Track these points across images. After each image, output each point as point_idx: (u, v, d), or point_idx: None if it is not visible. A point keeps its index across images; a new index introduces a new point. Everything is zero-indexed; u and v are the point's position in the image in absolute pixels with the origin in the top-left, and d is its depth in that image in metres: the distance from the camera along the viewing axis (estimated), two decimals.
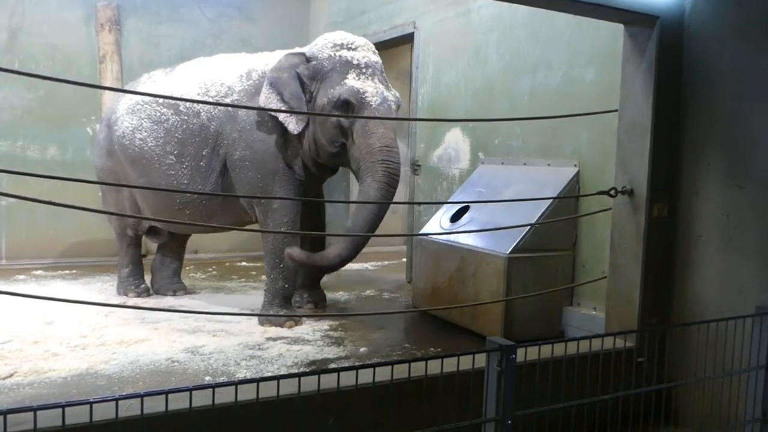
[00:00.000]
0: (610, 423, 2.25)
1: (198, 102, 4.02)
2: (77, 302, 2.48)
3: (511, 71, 4.44)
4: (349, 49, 3.84)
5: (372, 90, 3.71)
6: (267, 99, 3.80)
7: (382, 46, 4.30)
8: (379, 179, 3.61)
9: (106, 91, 6.21)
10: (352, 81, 3.71)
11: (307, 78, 3.82)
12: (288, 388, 1.70)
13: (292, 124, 3.81)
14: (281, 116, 3.81)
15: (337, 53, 3.81)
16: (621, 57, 3.08)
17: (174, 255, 4.92)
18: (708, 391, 2.66)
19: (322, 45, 3.89)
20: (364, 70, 3.77)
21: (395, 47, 6.01)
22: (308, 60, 3.86)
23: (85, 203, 2.50)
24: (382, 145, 3.63)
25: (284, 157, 3.97)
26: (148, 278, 4.90)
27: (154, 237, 4.83)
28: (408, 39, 5.68)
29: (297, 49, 4.01)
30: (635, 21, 2.94)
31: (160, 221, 4.49)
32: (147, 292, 4.75)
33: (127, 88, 4.75)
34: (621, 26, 3.07)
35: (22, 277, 5.46)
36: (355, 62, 3.78)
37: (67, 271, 5.76)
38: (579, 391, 2.09)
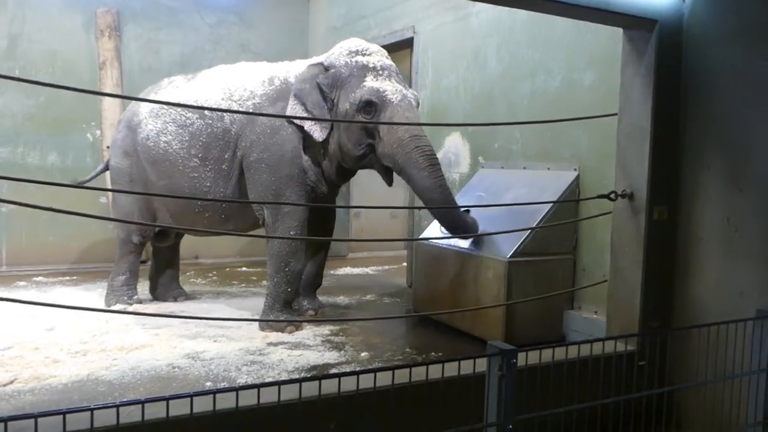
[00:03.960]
0: (611, 427, 2.25)
1: (230, 112, 4.09)
2: (78, 308, 2.48)
3: (510, 75, 4.45)
4: (363, 54, 3.95)
5: (391, 88, 3.82)
6: (293, 110, 3.90)
7: None
8: (424, 166, 3.68)
9: (106, 97, 6.23)
10: (370, 82, 3.82)
11: (327, 86, 3.92)
12: (289, 393, 1.70)
13: (317, 132, 3.91)
14: (306, 126, 3.90)
15: (353, 59, 3.92)
16: (620, 61, 3.09)
17: (170, 260, 4.91)
18: (709, 395, 2.65)
19: (338, 53, 3.99)
20: (380, 72, 3.88)
21: (394, 52, 5.99)
22: (326, 69, 3.96)
23: (86, 209, 2.50)
24: (411, 135, 3.71)
25: (299, 164, 4.04)
26: (140, 286, 4.82)
27: (162, 240, 4.80)
28: (407, 44, 5.69)
29: (316, 60, 4.09)
30: (634, 25, 2.95)
31: (171, 227, 4.51)
32: (138, 303, 4.58)
33: (146, 92, 4.75)
34: (620, 30, 3.08)
35: (22, 283, 5.46)
36: (371, 65, 3.89)
37: (67, 277, 5.76)
38: (580, 395, 2.09)
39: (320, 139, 3.91)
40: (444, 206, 3.86)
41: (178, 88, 4.47)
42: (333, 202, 4.56)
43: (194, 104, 4.17)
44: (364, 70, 3.88)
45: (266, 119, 4.04)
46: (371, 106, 3.79)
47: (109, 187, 5.09)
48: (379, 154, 3.84)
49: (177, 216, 4.46)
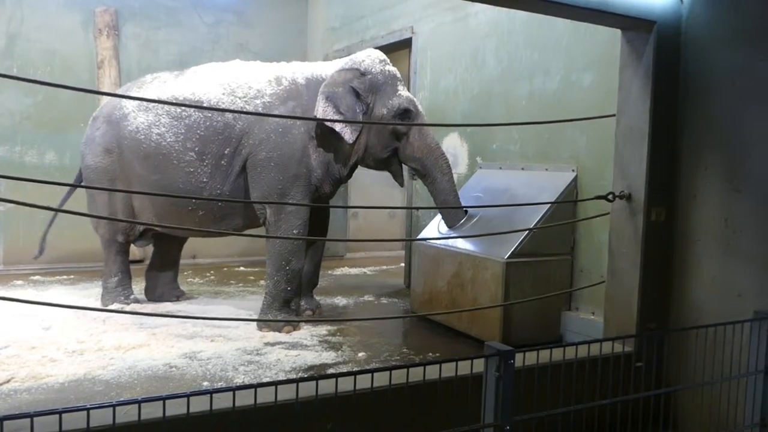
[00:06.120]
0: (608, 428, 2.25)
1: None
2: (75, 308, 2.48)
3: (508, 76, 4.45)
4: (388, 63, 4.21)
5: (415, 99, 4.23)
6: (324, 112, 3.95)
7: None
8: (446, 171, 4.19)
9: (104, 97, 6.21)
10: (404, 92, 4.16)
11: (363, 91, 4.05)
12: (286, 393, 1.69)
13: (348, 134, 3.98)
14: (338, 127, 3.95)
15: (385, 67, 4.16)
16: (618, 62, 3.09)
17: (172, 260, 4.87)
18: (706, 396, 2.65)
19: (370, 61, 4.15)
20: (402, 82, 4.21)
21: (393, 52, 6.02)
22: (362, 74, 4.06)
23: (83, 209, 2.50)
24: (436, 144, 4.22)
25: (307, 163, 4.07)
26: (136, 286, 4.77)
27: (144, 241, 4.72)
28: (406, 44, 5.70)
29: (348, 65, 4.13)
30: (632, 26, 2.95)
31: (161, 226, 4.38)
32: (136, 303, 4.57)
33: (127, 87, 4.65)
34: (618, 31, 3.08)
35: (19, 282, 5.45)
36: (397, 76, 4.20)
37: (65, 277, 5.75)
38: (577, 396, 2.09)
39: (351, 141, 4.00)
40: (443, 206, 4.13)
41: (166, 83, 4.36)
42: (329, 202, 4.56)
43: (190, 99, 4.13)
44: (395, 79, 4.15)
45: (277, 118, 4.02)
46: (408, 113, 4.09)
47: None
48: (405, 156, 4.17)
49: (165, 214, 4.30)
